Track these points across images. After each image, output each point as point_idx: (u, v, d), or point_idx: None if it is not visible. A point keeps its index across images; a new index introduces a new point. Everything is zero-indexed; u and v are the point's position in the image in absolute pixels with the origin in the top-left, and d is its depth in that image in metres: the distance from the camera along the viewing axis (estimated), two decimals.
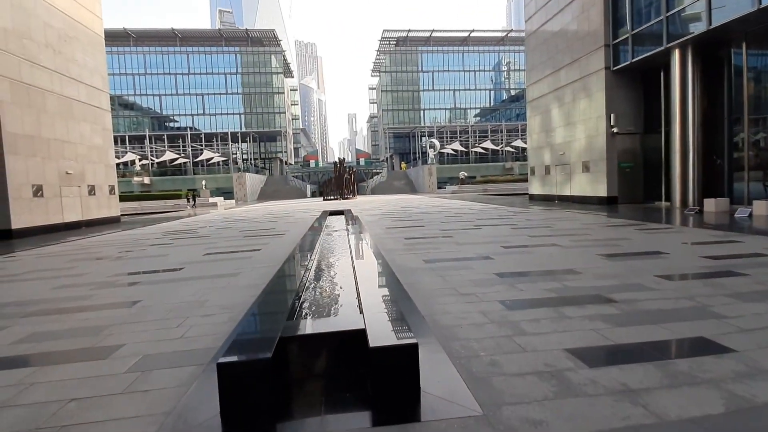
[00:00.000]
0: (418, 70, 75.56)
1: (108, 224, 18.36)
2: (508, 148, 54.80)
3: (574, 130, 18.14)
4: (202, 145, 58.64)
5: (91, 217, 17.98)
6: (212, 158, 55.93)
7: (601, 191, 16.40)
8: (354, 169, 37.36)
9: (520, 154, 56.98)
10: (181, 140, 59.22)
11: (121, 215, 28.85)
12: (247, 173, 47.12)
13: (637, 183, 16.36)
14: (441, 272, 5.12)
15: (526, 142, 55.36)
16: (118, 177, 49.34)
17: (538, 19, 20.90)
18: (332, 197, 34.32)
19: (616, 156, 16.13)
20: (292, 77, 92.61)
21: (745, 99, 12.25)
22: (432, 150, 49.59)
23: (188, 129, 63.67)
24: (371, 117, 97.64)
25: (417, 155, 63.37)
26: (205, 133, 63.74)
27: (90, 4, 18.93)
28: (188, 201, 32.26)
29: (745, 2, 10.89)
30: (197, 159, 55.99)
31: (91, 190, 18.14)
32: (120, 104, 69.32)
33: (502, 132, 58.49)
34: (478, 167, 50.57)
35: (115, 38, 68.29)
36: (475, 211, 15.28)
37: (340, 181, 33.66)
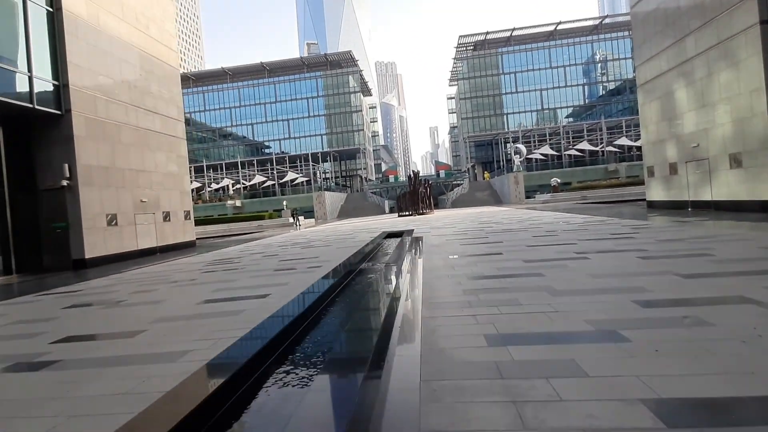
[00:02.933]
0: (499, 73, 70.99)
1: (182, 249, 18.59)
2: (611, 148, 47.37)
3: (712, 113, 13.51)
4: (286, 167, 61.54)
5: (167, 242, 18.34)
6: (296, 179, 58.18)
7: (766, 193, 11.63)
8: (430, 182, 34.86)
9: (626, 154, 48.96)
10: (269, 164, 62.96)
11: (211, 237, 30.39)
12: (326, 192, 47.64)
13: None
14: (520, 385, 2.51)
15: (632, 140, 47.47)
16: (215, 201, 53.58)
17: None
18: (407, 213, 32.24)
19: None
20: (371, 95, 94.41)
21: None
22: (518, 156, 44.86)
23: (273, 153, 67.72)
24: (452, 128, 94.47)
25: (501, 163, 58.56)
26: (289, 156, 67.12)
27: (166, 39, 19.86)
28: (294, 219, 33.68)
29: None
30: (283, 180, 58.73)
31: (166, 216, 18.58)
32: (220, 135, 76.99)
33: (601, 130, 51.11)
34: (574, 172, 44.33)
35: (215, 78, 76.52)
36: (574, 228, 11.78)
37: (414, 195, 31.46)
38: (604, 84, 70.36)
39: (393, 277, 5.43)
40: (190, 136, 76.41)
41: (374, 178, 79.92)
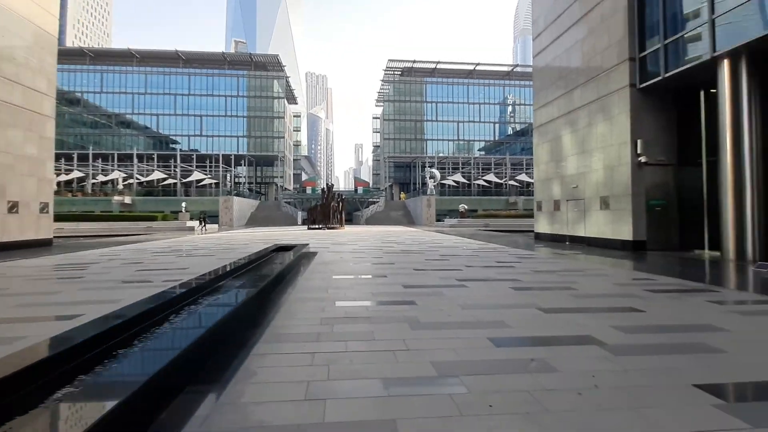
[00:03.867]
0: (423, 101, 74.46)
1: (32, 248, 15.26)
2: (512, 182, 52.02)
3: (590, 159, 15.16)
4: (193, 166, 56.42)
5: (10, 239, 14.93)
6: (203, 180, 53.51)
7: (626, 234, 13.18)
8: (343, 197, 34.40)
9: (525, 189, 54.13)
10: (173, 160, 57.14)
11: (84, 236, 25.88)
12: (235, 197, 44.41)
13: (670, 226, 13.16)
14: None
15: (530, 177, 52.80)
16: (99, 195, 46.67)
17: (548, 35, 18.47)
18: (318, 226, 31.22)
19: (643, 191, 13.03)
20: (296, 104, 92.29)
21: None
22: (432, 180, 46.85)
23: (180, 149, 61.81)
24: (375, 147, 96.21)
25: (417, 186, 60.71)
26: (198, 154, 61.82)
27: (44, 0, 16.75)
28: (201, 224, 32.78)
29: None
30: (187, 180, 53.58)
31: (12, 207, 15.18)
32: (117, 122, 68.24)
33: (506, 165, 55.98)
34: (480, 200, 47.60)
35: (119, 58, 68.17)
36: (468, 254, 12.04)
37: (326, 209, 30.65)
38: (513, 125, 77.87)
39: (250, 298, 4.59)
40: (79, 119, 66.48)
41: (291, 188, 77.32)
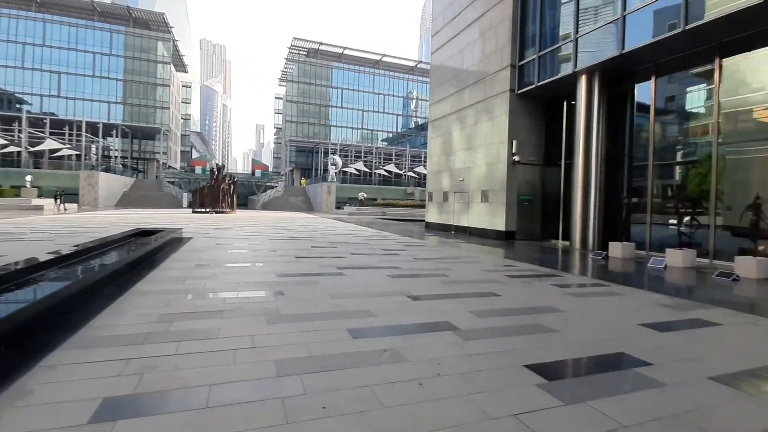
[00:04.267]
0: (329, 85, 72.91)
1: None
2: (411, 173, 54.37)
3: (475, 155, 16.34)
4: (45, 132, 46.78)
5: None
6: (59, 150, 44.69)
7: (500, 225, 14.56)
8: (235, 179, 31.91)
9: (422, 181, 57.04)
10: (17, 123, 46.60)
11: None
12: (102, 173, 38.07)
13: (535, 218, 14.91)
14: None
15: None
16: None
17: (445, 34, 19.29)
18: (205, 210, 28.44)
19: (516, 187, 14.50)
20: (186, 72, 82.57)
21: (651, 136, 11.27)
22: (334, 167, 46.36)
23: (27, 111, 50.71)
24: (277, 129, 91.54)
25: (319, 172, 59.60)
26: (54, 119, 51.49)
27: None
28: (56, 202, 27.32)
29: (662, 26, 9.80)
30: (37, 149, 44.22)
31: None
32: None
33: (406, 157, 58.17)
34: (380, 190, 48.74)
35: None
36: (358, 241, 11.99)
37: (215, 191, 28.05)
38: (415, 119, 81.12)
39: (63, 293, 3.67)
40: None
41: (178, 167, 69.43)
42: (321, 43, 70.03)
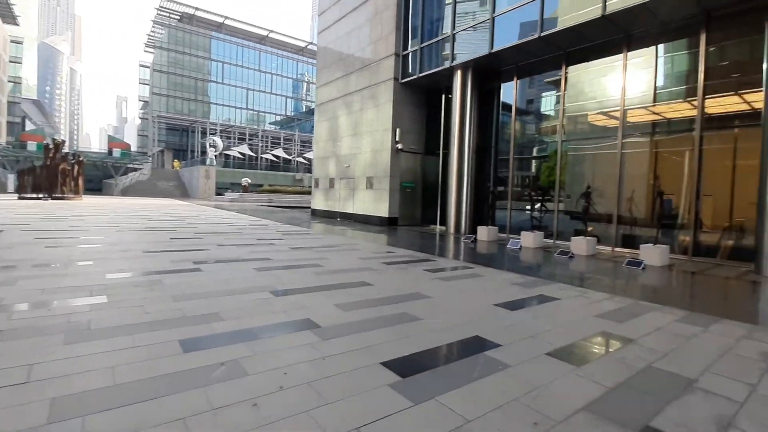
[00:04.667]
0: (208, 57, 65.57)
1: None
2: (301, 159, 52.63)
3: (360, 141, 16.27)
4: None
5: None
6: None
7: (383, 211, 14.83)
8: (81, 158, 26.51)
9: (311, 167, 55.78)
10: None
11: None
12: None
13: (416, 205, 15.57)
14: None
15: None
16: None
17: (332, 14, 18.63)
18: (38, 195, 23.03)
19: (399, 174, 14.88)
20: (17, 24, 65.67)
21: (512, 132, 12.50)
22: (213, 150, 42.10)
23: None
24: (143, 102, 79.13)
25: (196, 154, 53.61)
26: None
27: None
28: None
29: (524, 31, 10.80)
30: None
31: None
32: None
33: (295, 142, 56.02)
34: (267, 175, 46.07)
35: None
36: (231, 231, 10.89)
37: (52, 173, 22.87)
38: (306, 102, 78.41)
39: None
40: None
41: (4, 142, 55.30)
42: (197, 9, 62.34)
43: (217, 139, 43.23)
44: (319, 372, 2.51)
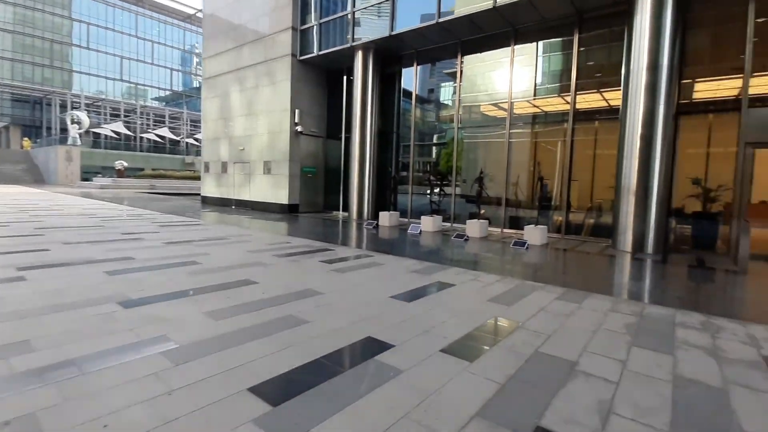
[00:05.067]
0: (68, 16, 54.57)
1: None
2: (191, 140, 47.35)
3: (256, 122, 14.92)
4: None
5: None
6: None
7: (283, 198, 13.90)
8: None
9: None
10: None
11: None
12: None
13: (318, 190, 14.93)
14: None
15: None
16: None
17: None
18: None
19: (299, 159, 14.04)
20: None
21: (413, 118, 12.54)
22: (76, 126, 35.37)
23: None
24: None
25: (54, 132, 44.68)
26: None
27: None
28: None
29: (425, 15, 10.72)
30: None
31: None
32: None
33: (184, 120, 50.18)
34: (149, 157, 40.49)
35: None
36: (88, 224, 9.05)
37: None
38: (198, 77, 70.49)
39: None
40: None
41: None
42: None
43: (82, 115, 36.45)
44: (157, 417, 1.90)
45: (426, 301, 4.06)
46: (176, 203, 17.04)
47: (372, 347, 2.85)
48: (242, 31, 15.42)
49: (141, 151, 43.56)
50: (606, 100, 9.40)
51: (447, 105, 12.66)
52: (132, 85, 60.85)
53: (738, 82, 7.83)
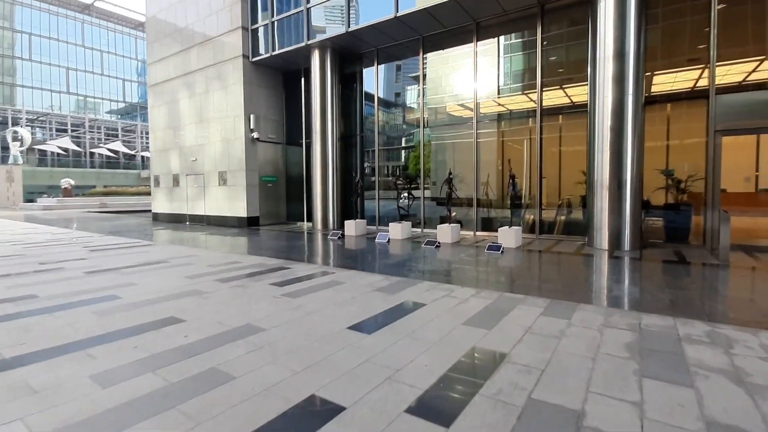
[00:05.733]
0: (11, 28, 50.72)
1: None
2: (146, 154, 44.79)
3: (208, 130, 13.84)
4: None
5: None
6: None
7: (241, 210, 12.88)
8: None
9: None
10: None
11: None
12: None
13: (280, 201, 13.99)
14: None
15: None
16: None
17: None
18: None
19: (257, 167, 13.08)
20: None
21: (377, 120, 11.90)
22: (17, 144, 32.61)
23: None
24: None
25: None
26: None
27: None
28: None
29: (383, 10, 10.10)
30: None
31: None
32: None
33: (139, 133, 47.55)
34: (101, 174, 37.97)
35: None
36: (11, 252, 7.81)
37: None
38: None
39: None
40: None
41: None
42: None
43: (23, 131, 33.66)
44: None
45: (391, 330, 3.35)
46: (124, 222, 15.61)
47: (315, 413, 2.11)
48: (189, 33, 14.34)
49: (92, 167, 40.83)
50: (569, 97, 9.09)
51: (412, 107, 12.10)
52: (81, 97, 57.23)
53: (704, 72, 7.65)
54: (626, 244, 7.50)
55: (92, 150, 42.62)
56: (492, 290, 4.63)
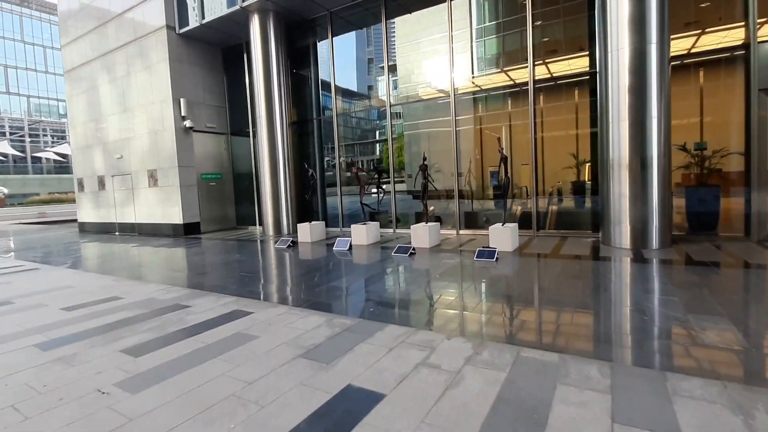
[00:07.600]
0: None
1: None
2: None
3: (133, 120, 11.45)
4: None
5: None
6: None
7: (176, 216, 10.60)
8: None
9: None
10: None
11: None
12: None
13: (227, 202, 11.77)
14: None
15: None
16: None
17: None
18: None
19: (194, 163, 10.82)
20: None
21: (334, 102, 9.85)
22: None
23: None
24: None
25: None
26: None
27: None
28: None
29: None
30: None
31: None
32: None
33: None
34: (46, 180, 34.40)
35: None
36: None
37: None
38: None
39: None
40: None
41: None
42: None
43: None
44: None
45: None
46: (44, 235, 13.04)
47: None
48: (104, 4, 11.82)
49: (35, 173, 37.07)
50: (545, 73, 7.29)
51: (378, 87, 10.08)
52: (24, 96, 52.35)
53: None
54: (654, 240, 5.78)
55: (36, 154, 38.73)
56: (499, 342, 2.73)
